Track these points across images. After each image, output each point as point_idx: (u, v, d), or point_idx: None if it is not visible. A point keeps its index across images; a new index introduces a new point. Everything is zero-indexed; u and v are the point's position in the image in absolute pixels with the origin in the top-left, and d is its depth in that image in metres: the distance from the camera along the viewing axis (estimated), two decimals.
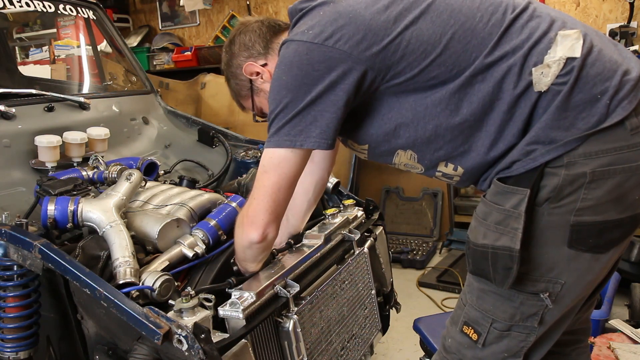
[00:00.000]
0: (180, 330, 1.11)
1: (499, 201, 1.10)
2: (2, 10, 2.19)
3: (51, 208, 1.38)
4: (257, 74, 1.35)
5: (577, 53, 1.05)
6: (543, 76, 1.05)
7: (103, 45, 2.65)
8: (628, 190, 1.04)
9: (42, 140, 1.73)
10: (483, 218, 1.14)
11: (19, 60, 4.02)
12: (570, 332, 1.38)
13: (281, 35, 1.34)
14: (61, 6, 2.30)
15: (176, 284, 1.33)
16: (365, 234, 1.93)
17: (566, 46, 1.05)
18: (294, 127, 1.12)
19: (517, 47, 1.07)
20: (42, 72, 3.43)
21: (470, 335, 1.21)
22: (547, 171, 1.06)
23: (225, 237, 1.51)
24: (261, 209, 1.21)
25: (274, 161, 1.16)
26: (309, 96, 1.10)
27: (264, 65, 1.34)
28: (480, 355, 1.20)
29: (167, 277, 1.29)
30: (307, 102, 1.10)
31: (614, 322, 2.10)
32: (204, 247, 1.45)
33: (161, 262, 1.37)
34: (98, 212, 1.39)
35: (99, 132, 1.90)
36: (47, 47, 4.14)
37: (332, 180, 2.07)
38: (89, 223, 1.39)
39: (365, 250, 1.85)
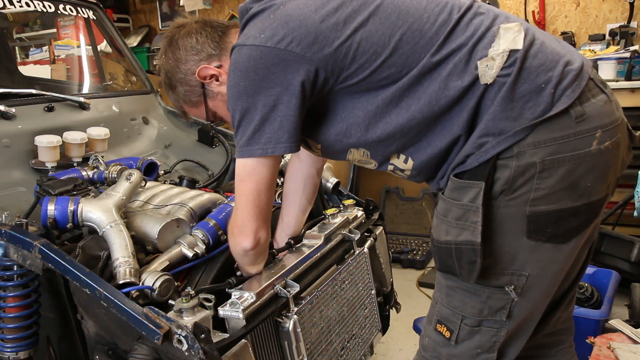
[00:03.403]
0: (180, 330, 1.11)
1: (457, 197, 1.12)
2: (2, 10, 2.19)
3: (51, 208, 1.38)
4: (212, 76, 1.30)
5: (519, 45, 1.08)
6: (488, 69, 1.07)
7: (103, 45, 2.65)
8: (579, 177, 1.07)
9: (42, 140, 1.73)
10: (444, 215, 1.15)
11: (19, 60, 4.01)
12: (552, 334, 1.39)
13: (229, 34, 1.31)
14: (61, 6, 2.30)
15: (176, 284, 1.33)
16: (365, 234, 1.93)
17: (508, 39, 1.09)
18: (262, 134, 1.13)
19: (463, 44, 1.10)
20: (42, 72, 3.43)
21: (444, 333, 1.23)
22: (498, 163, 1.08)
23: (225, 237, 1.51)
24: (246, 216, 1.23)
25: (248, 169, 1.18)
26: (270, 99, 1.11)
27: (219, 67, 1.29)
28: (455, 352, 1.22)
29: (167, 277, 1.29)
30: (269, 107, 1.11)
31: (614, 322, 2.09)
32: (203, 247, 1.45)
33: (161, 262, 1.37)
34: (98, 212, 1.39)
35: (99, 132, 1.90)
36: (47, 47, 4.13)
37: (332, 180, 2.07)
38: (89, 223, 1.39)
39: (365, 250, 1.85)
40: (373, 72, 1.12)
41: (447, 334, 1.21)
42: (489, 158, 1.08)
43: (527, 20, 3.84)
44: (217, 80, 1.30)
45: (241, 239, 1.28)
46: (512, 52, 1.07)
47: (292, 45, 1.09)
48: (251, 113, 1.12)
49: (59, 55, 3.74)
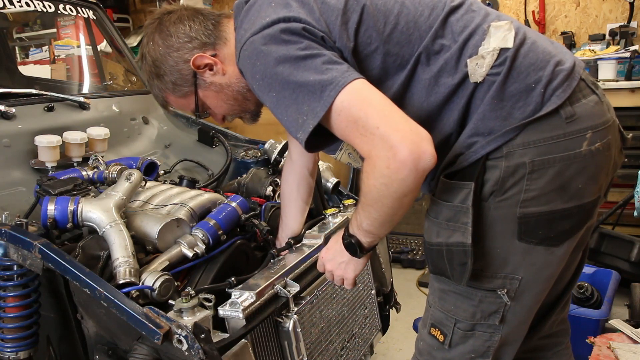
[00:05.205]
0: (180, 330, 1.11)
1: (448, 198, 1.11)
2: (2, 10, 2.19)
3: (51, 208, 1.38)
4: (206, 65, 1.23)
5: (510, 44, 1.07)
6: (478, 67, 1.06)
7: (103, 45, 2.64)
8: (569, 178, 1.05)
9: (42, 140, 1.73)
10: (434, 217, 1.14)
11: (19, 60, 4.01)
12: (548, 336, 1.39)
13: (222, 23, 1.25)
14: (61, 6, 2.29)
15: (176, 284, 1.33)
16: None
17: (499, 37, 1.08)
18: (325, 71, 1.01)
19: (453, 40, 1.09)
20: (42, 72, 3.42)
21: (437, 336, 1.22)
22: (488, 164, 1.07)
23: (225, 237, 1.51)
24: (392, 124, 0.99)
25: (344, 105, 1.00)
26: (305, 50, 1.04)
27: (214, 55, 1.23)
28: (449, 357, 1.21)
29: (167, 277, 1.29)
30: (307, 52, 1.03)
31: (614, 322, 2.09)
32: (203, 247, 1.45)
33: (161, 262, 1.37)
34: (98, 212, 1.39)
35: (99, 132, 1.90)
36: (47, 47, 4.13)
37: (332, 180, 2.07)
38: (89, 223, 1.39)
39: None
40: (368, 56, 1.10)
41: (441, 338, 1.21)
42: (478, 158, 1.07)
43: (527, 20, 3.84)
44: (211, 69, 1.24)
45: (401, 147, 0.97)
46: (502, 50, 1.07)
47: (299, 21, 1.07)
48: (303, 63, 1.03)
49: (59, 55, 3.73)
